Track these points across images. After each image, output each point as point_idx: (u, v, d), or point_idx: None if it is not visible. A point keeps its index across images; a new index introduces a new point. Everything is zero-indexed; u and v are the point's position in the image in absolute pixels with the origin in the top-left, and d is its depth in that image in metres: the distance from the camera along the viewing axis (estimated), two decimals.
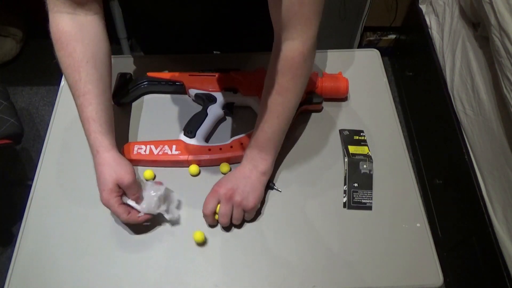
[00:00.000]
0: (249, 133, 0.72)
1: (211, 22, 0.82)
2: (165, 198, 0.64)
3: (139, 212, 0.61)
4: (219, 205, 0.63)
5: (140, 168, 0.72)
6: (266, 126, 0.64)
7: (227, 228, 0.65)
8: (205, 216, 0.64)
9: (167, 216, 0.63)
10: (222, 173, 0.71)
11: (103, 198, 0.60)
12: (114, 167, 0.60)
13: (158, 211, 0.62)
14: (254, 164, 0.65)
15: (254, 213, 0.65)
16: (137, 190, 0.62)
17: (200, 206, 0.68)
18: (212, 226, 0.66)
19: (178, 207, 0.67)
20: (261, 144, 0.65)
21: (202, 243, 0.64)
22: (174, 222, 0.66)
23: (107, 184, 0.59)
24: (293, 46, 0.61)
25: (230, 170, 0.71)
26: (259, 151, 0.65)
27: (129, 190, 0.61)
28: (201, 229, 0.65)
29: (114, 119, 0.78)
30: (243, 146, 0.71)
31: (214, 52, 0.98)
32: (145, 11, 0.82)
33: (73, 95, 0.63)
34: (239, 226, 0.66)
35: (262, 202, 0.67)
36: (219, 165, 0.71)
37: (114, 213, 0.61)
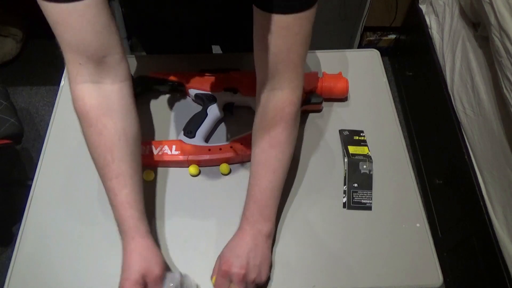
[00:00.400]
0: (249, 133, 0.72)
1: (213, 20, 0.82)
2: (182, 284, 0.58)
3: None
4: (231, 285, 0.57)
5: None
6: (264, 184, 0.60)
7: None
8: None
9: None
10: (222, 174, 0.71)
11: None
12: (146, 257, 0.55)
13: None
14: (258, 228, 0.59)
15: (266, 281, 0.60)
16: (161, 285, 0.55)
17: (200, 206, 0.68)
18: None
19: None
20: (261, 204, 0.60)
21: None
22: None
23: (133, 273, 0.53)
24: (282, 96, 0.59)
25: (230, 171, 0.71)
26: (260, 212, 0.60)
27: (154, 284, 0.55)
28: (201, 229, 0.65)
29: None
30: (243, 146, 0.71)
31: (214, 50, 0.98)
32: (147, 9, 0.82)
33: (102, 176, 0.57)
34: None
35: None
36: (219, 165, 0.71)
37: None
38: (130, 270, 0.54)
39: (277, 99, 0.59)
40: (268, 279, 0.61)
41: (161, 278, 0.56)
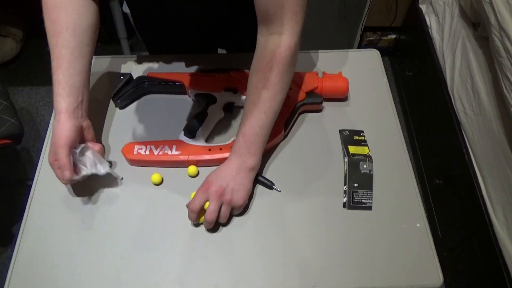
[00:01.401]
0: None
1: (215, 20, 0.82)
2: (86, 150, 0.66)
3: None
4: (207, 203, 0.63)
5: (144, 172, 0.72)
6: (254, 122, 0.64)
7: (213, 229, 0.65)
8: (190, 212, 0.63)
9: (103, 171, 0.66)
10: None
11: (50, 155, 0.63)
12: (57, 130, 0.63)
13: (93, 170, 0.65)
14: (243, 160, 0.65)
15: (241, 209, 0.66)
16: (61, 156, 0.62)
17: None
18: (195, 225, 0.66)
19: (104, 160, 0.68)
20: (249, 140, 0.65)
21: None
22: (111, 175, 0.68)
23: (50, 146, 0.63)
24: (280, 40, 0.62)
25: None
26: (247, 146, 0.65)
27: (56, 153, 0.62)
28: (201, 229, 0.65)
29: (114, 119, 0.78)
30: None
31: (219, 50, 0.98)
32: (153, 9, 0.82)
33: (51, 59, 0.65)
34: (224, 224, 0.66)
35: (251, 197, 0.68)
36: (219, 165, 0.71)
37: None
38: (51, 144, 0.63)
39: (275, 43, 0.62)
40: (244, 210, 0.67)
41: (61, 149, 0.62)
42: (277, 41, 0.62)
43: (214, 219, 0.63)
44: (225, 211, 0.63)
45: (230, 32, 0.90)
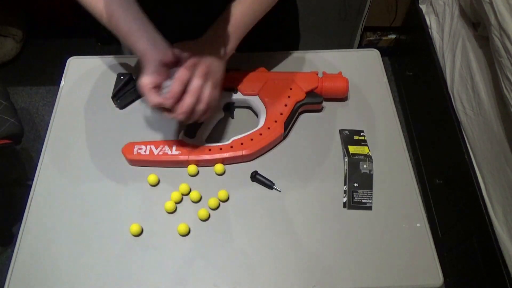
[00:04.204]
0: (249, 133, 0.72)
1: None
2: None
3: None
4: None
5: (143, 172, 0.72)
6: (238, 12, 0.64)
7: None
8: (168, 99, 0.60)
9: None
10: (217, 174, 0.71)
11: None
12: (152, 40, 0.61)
13: None
14: (222, 41, 0.64)
15: (216, 95, 0.65)
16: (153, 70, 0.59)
17: (198, 207, 0.68)
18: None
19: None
20: (231, 24, 0.64)
21: (186, 234, 0.65)
22: None
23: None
24: None
25: (225, 171, 0.71)
26: (227, 29, 0.64)
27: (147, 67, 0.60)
28: (198, 225, 0.65)
29: (114, 119, 0.78)
30: (243, 146, 0.71)
31: None
32: (154, 10, 0.83)
33: (106, 25, 0.65)
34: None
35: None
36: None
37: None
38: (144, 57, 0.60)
39: None
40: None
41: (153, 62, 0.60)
42: None
43: (179, 91, 0.60)
44: (196, 84, 0.61)
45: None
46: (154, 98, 0.59)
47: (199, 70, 0.61)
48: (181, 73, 0.59)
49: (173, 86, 0.59)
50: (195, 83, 0.61)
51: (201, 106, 0.62)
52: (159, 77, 0.60)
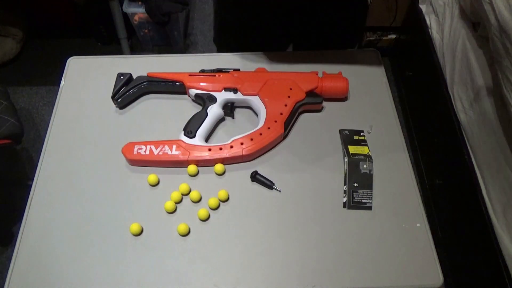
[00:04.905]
0: (249, 133, 0.72)
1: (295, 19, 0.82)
2: None
3: None
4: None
5: (143, 172, 0.72)
6: None
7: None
8: None
9: None
10: (217, 174, 0.71)
11: None
12: None
13: None
14: None
15: None
16: None
17: (198, 207, 0.68)
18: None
19: None
20: None
21: (186, 234, 0.64)
22: None
23: None
24: None
25: (225, 171, 0.71)
26: None
27: None
28: (198, 225, 0.65)
29: (114, 119, 0.78)
30: (243, 146, 0.71)
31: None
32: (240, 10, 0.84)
33: None
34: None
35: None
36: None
37: None
38: None
39: None
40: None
41: None
42: None
43: None
44: None
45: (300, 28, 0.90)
46: None
47: None
48: None
49: None
50: None
51: None
52: None
